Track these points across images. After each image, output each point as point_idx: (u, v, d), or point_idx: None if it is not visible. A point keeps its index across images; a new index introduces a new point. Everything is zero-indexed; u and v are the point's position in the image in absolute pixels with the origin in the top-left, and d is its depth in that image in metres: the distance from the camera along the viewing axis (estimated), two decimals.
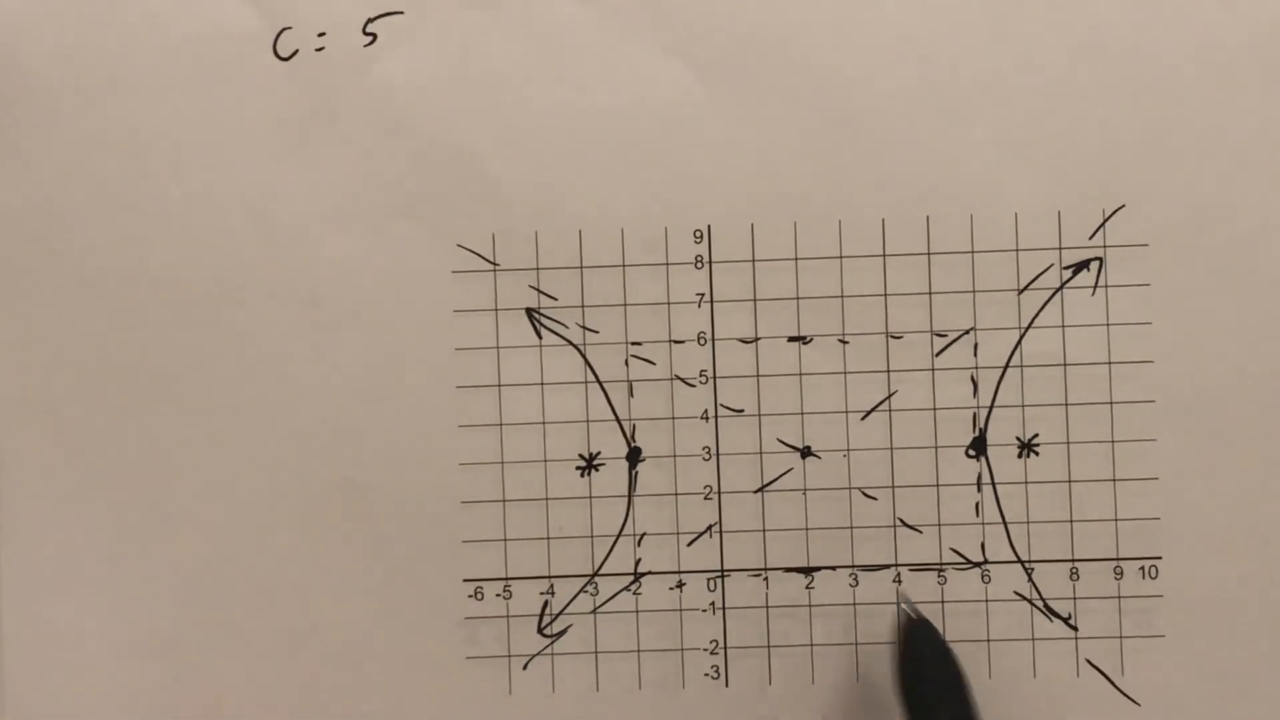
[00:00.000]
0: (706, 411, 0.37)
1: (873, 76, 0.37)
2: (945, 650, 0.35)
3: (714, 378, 0.37)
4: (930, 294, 0.37)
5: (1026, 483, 0.37)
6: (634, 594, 0.37)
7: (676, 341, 0.37)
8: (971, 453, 0.37)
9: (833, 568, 0.37)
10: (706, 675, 0.37)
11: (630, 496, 0.37)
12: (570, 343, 0.37)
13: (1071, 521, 0.37)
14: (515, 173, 0.37)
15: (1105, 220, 0.37)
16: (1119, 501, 0.37)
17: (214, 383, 0.37)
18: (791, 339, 0.37)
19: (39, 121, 0.37)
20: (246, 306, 0.37)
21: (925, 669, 0.35)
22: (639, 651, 0.37)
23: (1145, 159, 0.37)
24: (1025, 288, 0.37)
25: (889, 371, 0.37)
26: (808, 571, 0.37)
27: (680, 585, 0.37)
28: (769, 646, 0.37)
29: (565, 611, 0.37)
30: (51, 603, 0.37)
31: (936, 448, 0.37)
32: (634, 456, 0.37)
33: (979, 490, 0.37)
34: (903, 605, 0.36)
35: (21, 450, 0.37)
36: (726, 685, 0.37)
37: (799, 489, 0.37)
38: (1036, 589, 0.37)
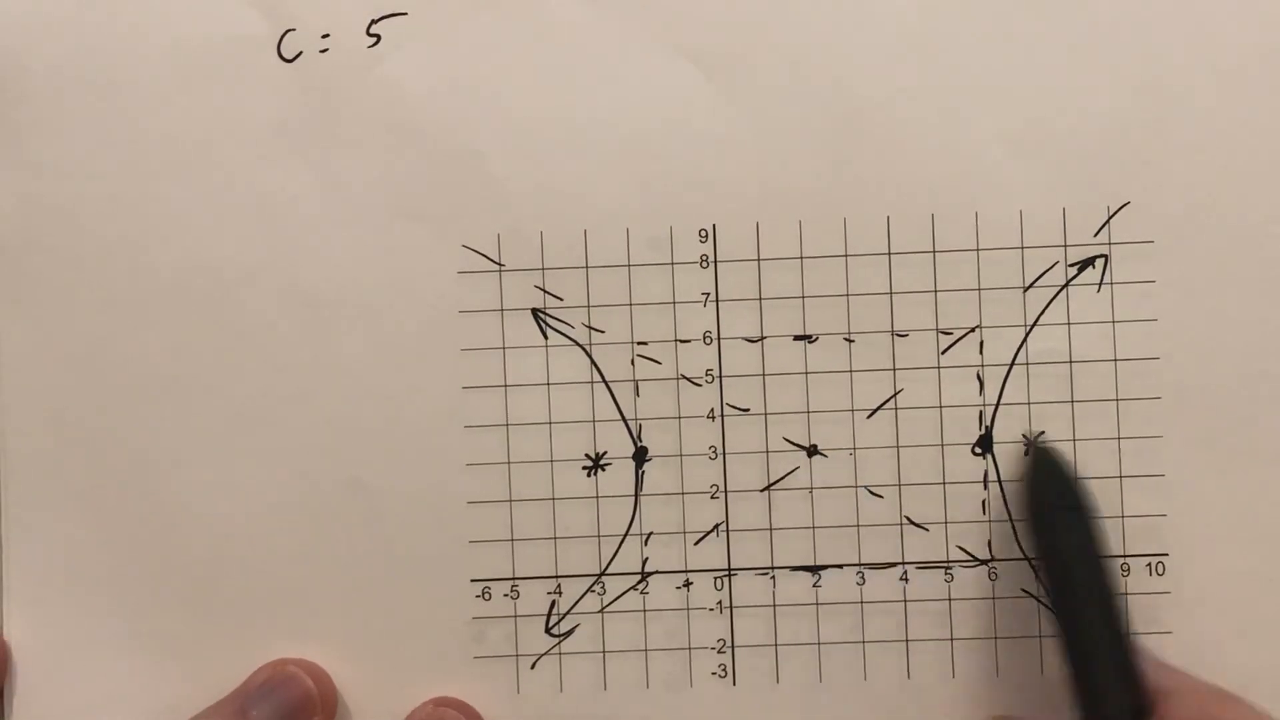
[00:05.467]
0: (713, 410, 0.37)
1: (877, 75, 0.37)
2: (1073, 475, 0.35)
3: (720, 377, 0.37)
4: (935, 292, 0.37)
5: None
6: (641, 593, 0.37)
7: (682, 341, 0.37)
8: (978, 450, 0.37)
9: (839, 566, 0.37)
10: (714, 674, 0.37)
11: (637, 496, 0.37)
12: (576, 342, 0.37)
13: None
14: (520, 173, 0.37)
15: (1110, 217, 0.37)
16: (1125, 498, 0.37)
17: (219, 384, 0.37)
18: (797, 338, 0.37)
19: (45, 123, 0.37)
20: (252, 307, 0.37)
21: (1048, 494, 0.34)
22: (646, 651, 0.37)
23: (1150, 156, 0.37)
24: (1030, 285, 0.37)
25: (894, 370, 0.37)
26: (815, 570, 0.37)
27: (687, 584, 0.37)
28: (776, 645, 0.37)
29: (573, 611, 0.37)
30: (57, 602, 0.37)
31: (943, 445, 0.37)
32: (640, 456, 0.37)
33: (985, 488, 0.37)
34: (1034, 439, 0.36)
35: (26, 450, 0.37)
36: (734, 684, 0.37)
37: (805, 488, 0.37)
38: (1043, 586, 0.37)
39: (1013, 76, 0.37)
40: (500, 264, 0.37)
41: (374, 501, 0.37)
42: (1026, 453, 0.36)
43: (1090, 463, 0.37)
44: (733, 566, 0.37)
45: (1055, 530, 0.34)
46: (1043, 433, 0.37)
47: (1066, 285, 0.37)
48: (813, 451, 0.37)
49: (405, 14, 0.37)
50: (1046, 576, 0.34)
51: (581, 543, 0.37)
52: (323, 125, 0.37)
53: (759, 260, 0.37)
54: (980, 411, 0.37)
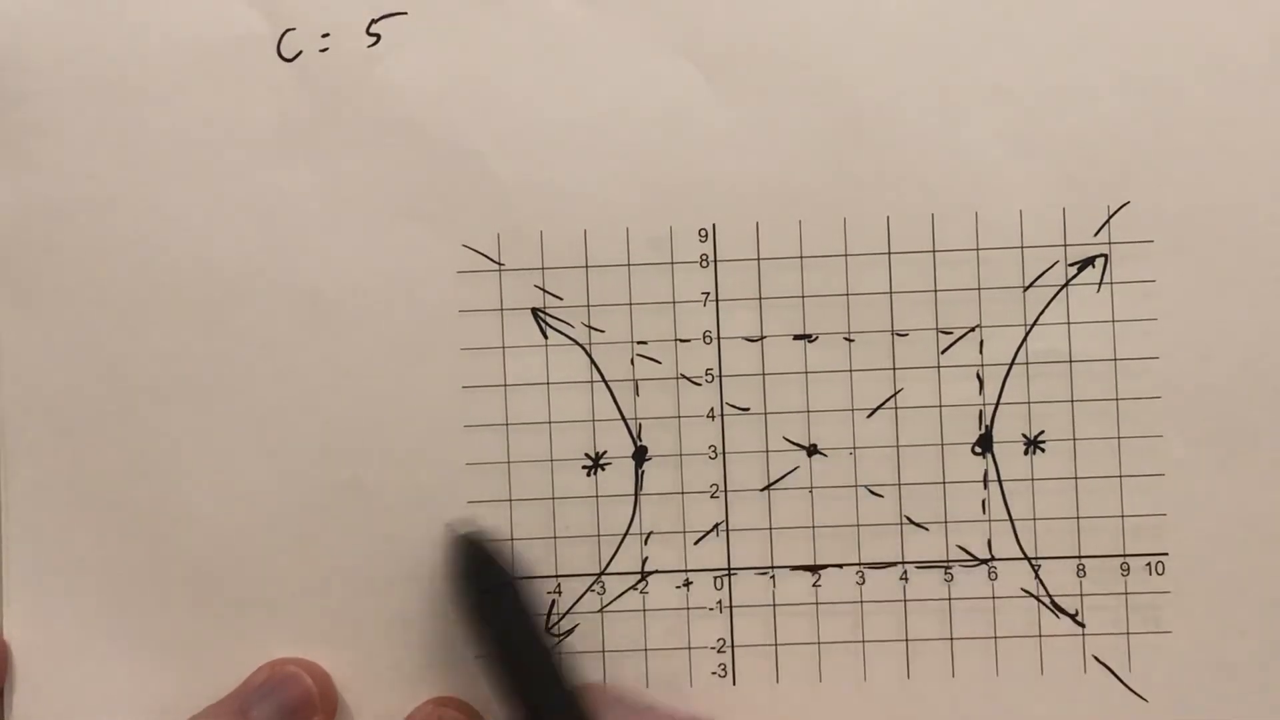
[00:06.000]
0: (712, 410, 0.37)
1: (877, 74, 0.37)
2: (490, 556, 0.35)
3: (720, 376, 0.37)
4: (935, 291, 0.37)
5: (1033, 479, 0.37)
6: (641, 593, 0.37)
7: (682, 340, 0.37)
8: (978, 450, 0.37)
9: (839, 565, 0.37)
10: (714, 674, 0.37)
11: (637, 495, 0.37)
12: (576, 342, 0.37)
13: (1078, 518, 0.37)
14: (520, 172, 0.37)
15: (1110, 217, 0.37)
16: (1125, 498, 0.37)
17: (219, 383, 0.37)
18: (797, 337, 0.37)
19: (44, 123, 0.37)
20: (251, 307, 0.37)
21: (474, 577, 0.35)
22: (646, 650, 0.37)
23: (1150, 155, 0.37)
24: (1030, 285, 0.37)
25: (894, 369, 0.37)
26: (815, 569, 0.37)
27: (687, 584, 0.37)
28: (776, 645, 0.37)
29: (572, 610, 0.37)
30: (57, 602, 0.37)
31: (942, 445, 0.37)
32: (640, 455, 0.37)
33: (985, 487, 0.37)
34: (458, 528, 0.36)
35: (27, 450, 0.37)
36: (734, 684, 0.37)
37: (805, 487, 0.37)
38: (1043, 586, 0.37)
39: (1012, 75, 0.37)
40: (500, 264, 0.37)
41: (373, 501, 0.37)
42: (450, 542, 0.36)
43: (1090, 463, 0.37)
44: (733, 566, 0.37)
45: (486, 613, 0.34)
46: (469, 523, 0.36)
47: (1066, 285, 0.37)
48: (813, 451, 0.37)
49: (405, 14, 0.37)
50: (487, 656, 0.34)
51: (581, 542, 0.37)
52: (323, 125, 0.37)
53: (759, 260, 0.37)
54: (980, 411, 0.37)
